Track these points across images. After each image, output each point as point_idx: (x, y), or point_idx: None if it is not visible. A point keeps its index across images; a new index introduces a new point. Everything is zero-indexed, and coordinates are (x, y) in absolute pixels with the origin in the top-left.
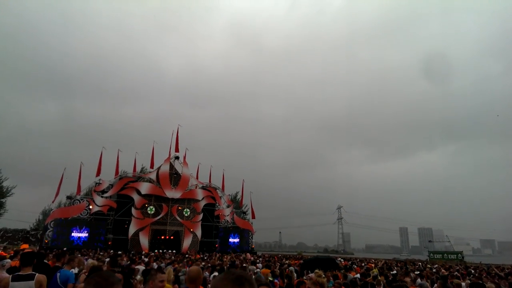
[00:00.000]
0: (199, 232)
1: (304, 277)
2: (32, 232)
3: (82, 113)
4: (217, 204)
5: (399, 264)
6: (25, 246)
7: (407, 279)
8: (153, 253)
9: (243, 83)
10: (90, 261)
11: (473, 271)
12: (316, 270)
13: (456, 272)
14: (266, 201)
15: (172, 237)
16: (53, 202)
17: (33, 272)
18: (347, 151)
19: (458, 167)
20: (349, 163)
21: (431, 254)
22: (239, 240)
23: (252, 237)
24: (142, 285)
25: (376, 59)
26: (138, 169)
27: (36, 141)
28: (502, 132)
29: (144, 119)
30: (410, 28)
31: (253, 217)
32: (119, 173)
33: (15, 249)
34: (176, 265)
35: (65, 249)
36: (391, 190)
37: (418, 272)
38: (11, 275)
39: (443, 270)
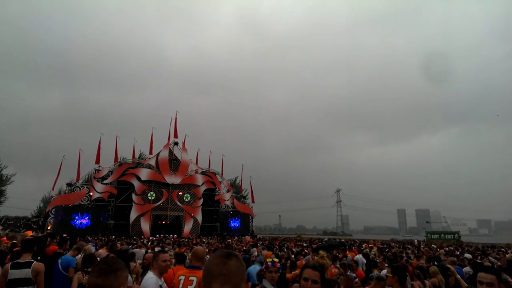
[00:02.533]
0: (199, 217)
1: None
2: (34, 219)
3: (85, 101)
4: (217, 189)
5: (397, 245)
6: (29, 233)
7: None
8: (154, 238)
9: (247, 69)
10: (87, 247)
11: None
12: (320, 251)
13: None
14: (266, 185)
15: (173, 222)
16: (52, 189)
17: (31, 260)
18: (348, 136)
19: (457, 150)
20: (350, 148)
21: (428, 235)
22: (240, 224)
23: (252, 221)
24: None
25: (379, 44)
26: (137, 155)
27: (38, 129)
28: (502, 116)
29: (148, 106)
30: (413, 14)
31: (253, 201)
32: (118, 160)
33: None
34: (177, 249)
35: (64, 235)
36: (390, 173)
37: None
38: (10, 263)
39: (440, 250)
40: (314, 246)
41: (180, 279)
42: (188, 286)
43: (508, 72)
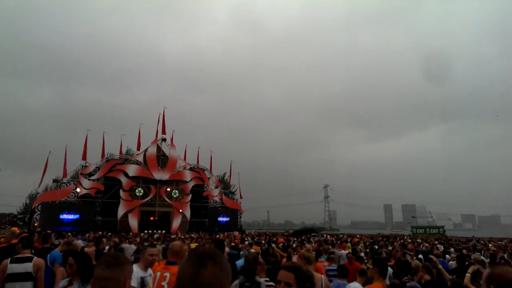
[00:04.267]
0: (188, 213)
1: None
2: (20, 216)
3: (76, 98)
4: (206, 185)
5: (383, 239)
6: (15, 229)
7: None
8: (142, 234)
9: (241, 66)
10: (77, 242)
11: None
12: (306, 245)
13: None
14: (255, 181)
15: (161, 218)
16: (39, 186)
17: (32, 255)
18: (338, 133)
19: (444, 147)
20: (340, 145)
21: (414, 229)
22: (228, 220)
23: (240, 216)
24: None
25: (375, 41)
26: (124, 151)
27: (27, 125)
28: (492, 114)
29: (140, 103)
30: (409, 11)
31: (241, 197)
32: (105, 156)
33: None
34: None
35: (49, 231)
36: (378, 169)
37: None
38: (9, 258)
39: (425, 244)
40: (299, 240)
41: (157, 275)
42: (162, 282)
43: (500, 70)
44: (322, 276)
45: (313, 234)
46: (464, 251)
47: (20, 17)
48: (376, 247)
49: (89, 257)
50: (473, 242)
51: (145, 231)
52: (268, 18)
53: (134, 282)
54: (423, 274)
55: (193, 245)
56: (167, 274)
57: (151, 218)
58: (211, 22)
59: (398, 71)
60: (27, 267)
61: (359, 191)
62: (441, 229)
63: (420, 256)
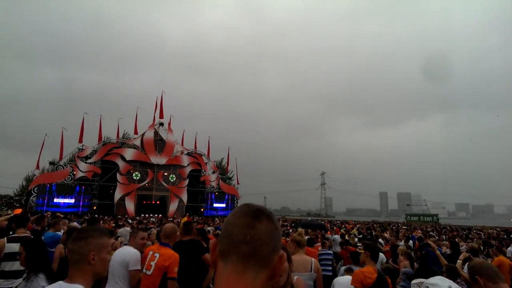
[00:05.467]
0: (185, 197)
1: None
2: (16, 198)
3: (76, 80)
4: (203, 170)
5: (378, 226)
6: (19, 210)
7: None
8: (138, 217)
9: (244, 53)
10: (74, 223)
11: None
12: (299, 229)
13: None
14: (253, 167)
15: (158, 202)
16: (36, 168)
17: (28, 234)
18: (337, 121)
19: (441, 137)
20: (338, 132)
21: (408, 217)
22: (225, 205)
23: (237, 202)
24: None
25: (377, 32)
26: (121, 135)
27: (27, 107)
28: (487, 106)
29: (140, 87)
30: (412, 4)
31: (238, 182)
32: (102, 139)
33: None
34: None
35: (45, 213)
36: (375, 158)
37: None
38: (6, 237)
39: (418, 231)
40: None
41: (149, 253)
42: (151, 262)
43: (503, 62)
44: (313, 259)
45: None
46: (456, 239)
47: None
48: (374, 233)
49: (43, 245)
50: (466, 232)
51: (141, 215)
52: (271, 5)
53: (137, 265)
54: (403, 259)
55: (183, 220)
56: (157, 255)
57: (148, 202)
58: (214, 9)
59: (399, 61)
60: None
61: (355, 178)
62: (435, 217)
63: (411, 242)
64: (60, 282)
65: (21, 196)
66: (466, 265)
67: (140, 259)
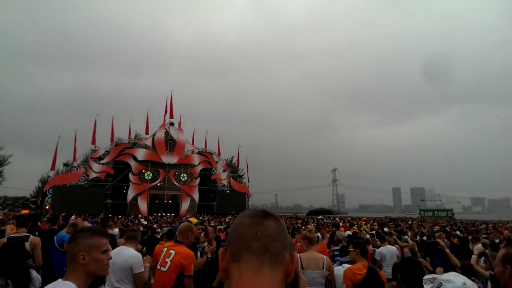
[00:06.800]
0: (196, 196)
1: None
2: (32, 199)
3: (90, 82)
4: (214, 168)
5: (390, 222)
6: (25, 211)
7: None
8: (151, 217)
9: (257, 51)
10: (84, 223)
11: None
12: (309, 226)
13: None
14: (264, 164)
15: (170, 201)
16: (52, 169)
17: (28, 234)
18: (349, 117)
19: (455, 131)
20: (350, 128)
21: (422, 212)
22: (236, 203)
23: (248, 200)
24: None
25: (389, 27)
26: (132, 136)
27: (45, 110)
28: (501, 98)
29: (153, 88)
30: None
31: (248, 180)
32: (114, 140)
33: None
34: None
35: (59, 213)
36: (388, 153)
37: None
38: (6, 237)
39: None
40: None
41: (164, 250)
42: (166, 259)
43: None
44: (325, 256)
45: (323, 216)
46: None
47: (41, 4)
48: (386, 229)
49: (20, 250)
50: (484, 226)
51: (154, 214)
52: (285, 2)
53: (141, 267)
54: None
55: (192, 219)
56: (172, 252)
57: (160, 202)
58: (230, 8)
59: (410, 56)
60: (25, 246)
61: (368, 174)
62: (449, 212)
63: (417, 238)
64: (59, 280)
65: (37, 198)
66: (482, 259)
67: (142, 260)
